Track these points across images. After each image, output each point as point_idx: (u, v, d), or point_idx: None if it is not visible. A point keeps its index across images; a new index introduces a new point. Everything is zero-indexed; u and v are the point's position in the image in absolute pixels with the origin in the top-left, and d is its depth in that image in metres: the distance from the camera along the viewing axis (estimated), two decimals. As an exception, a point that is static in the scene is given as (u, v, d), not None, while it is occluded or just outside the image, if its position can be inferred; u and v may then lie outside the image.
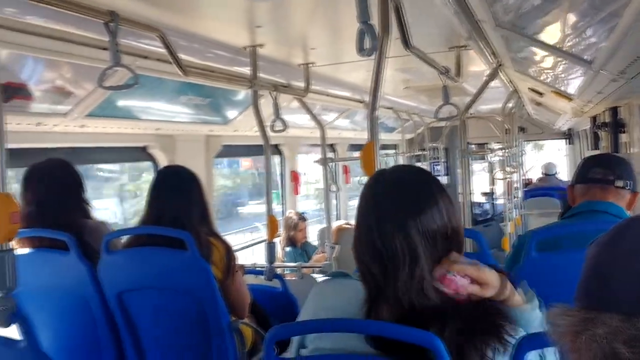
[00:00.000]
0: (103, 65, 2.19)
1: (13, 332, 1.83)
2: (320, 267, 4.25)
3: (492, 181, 6.73)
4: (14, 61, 2.38)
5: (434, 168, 8.32)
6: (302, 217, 5.38)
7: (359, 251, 1.31)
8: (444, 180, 8.23)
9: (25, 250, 2.44)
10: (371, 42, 1.70)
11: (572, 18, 1.69)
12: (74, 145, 3.20)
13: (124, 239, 2.60)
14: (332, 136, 6.02)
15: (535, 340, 1.16)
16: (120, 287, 2.45)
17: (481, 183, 9.22)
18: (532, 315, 1.28)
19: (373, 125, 1.86)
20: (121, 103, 3.23)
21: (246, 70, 3.10)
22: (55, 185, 2.56)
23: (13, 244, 1.66)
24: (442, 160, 8.26)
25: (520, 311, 1.27)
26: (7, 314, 1.61)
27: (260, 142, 3.41)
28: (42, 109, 2.72)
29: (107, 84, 2.23)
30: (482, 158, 9.07)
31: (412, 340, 1.14)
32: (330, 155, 5.20)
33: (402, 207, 1.28)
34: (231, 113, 4.30)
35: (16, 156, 2.38)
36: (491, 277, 1.23)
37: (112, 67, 2.07)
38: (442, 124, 7.33)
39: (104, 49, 2.30)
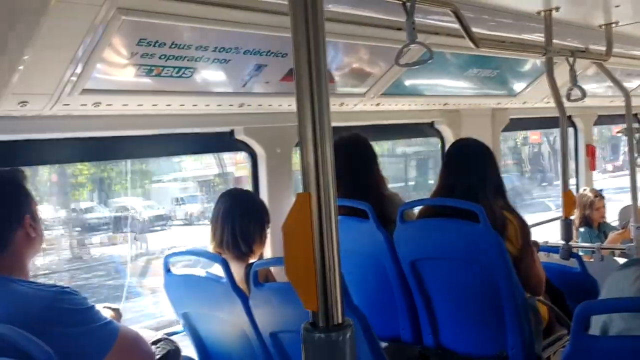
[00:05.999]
0: (396, 45, 2.30)
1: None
2: (623, 249, 3.83)
3: None
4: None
5: None
6: (599, 195, 4.90)
7: None
8: None
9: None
10: None
11: None
12: (370, 123, 3.45)
13: (417, 210, 2.72)
14: (636, 104, 5.32)
15: None
16: (413, 255, 2.57)
17: None
18: None
19: None
20: (410, 82, 3.35)
21: (539, 37, 2.93)
22: (356, 158, 2.80)
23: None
24: None
25: None
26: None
27: (550, 114, 3.20)
28: (344, 91, 2.99)
29: (402, 62, 2.34)
30: None
31: None
32: (635, 125, 4.60)
33: None
34: (518, 85, 4.12)
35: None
36: None
37: (408, 45, 2.15)
38: None
39: (398, 29, 2.42)
